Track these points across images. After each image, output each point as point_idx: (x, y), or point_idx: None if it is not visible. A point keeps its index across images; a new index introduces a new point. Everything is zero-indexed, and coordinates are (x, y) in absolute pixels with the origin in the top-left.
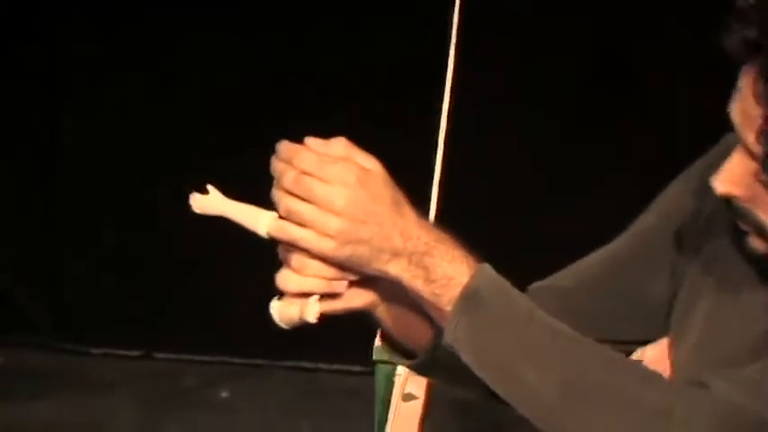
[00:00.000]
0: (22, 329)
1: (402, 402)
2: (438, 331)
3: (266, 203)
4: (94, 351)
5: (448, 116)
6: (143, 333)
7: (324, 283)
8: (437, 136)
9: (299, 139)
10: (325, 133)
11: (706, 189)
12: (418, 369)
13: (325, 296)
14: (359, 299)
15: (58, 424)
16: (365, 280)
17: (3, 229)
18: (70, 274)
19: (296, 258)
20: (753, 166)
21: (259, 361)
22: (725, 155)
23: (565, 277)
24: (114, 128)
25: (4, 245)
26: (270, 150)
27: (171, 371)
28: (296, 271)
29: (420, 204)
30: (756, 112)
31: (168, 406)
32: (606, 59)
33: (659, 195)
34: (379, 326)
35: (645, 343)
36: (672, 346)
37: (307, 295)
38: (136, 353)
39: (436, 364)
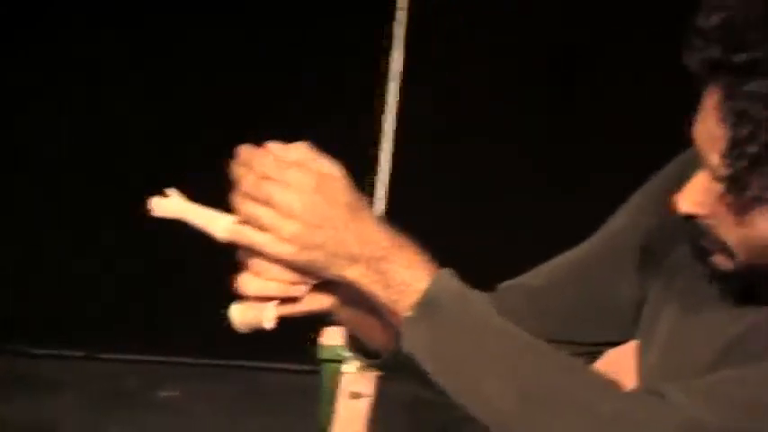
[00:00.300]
0: None
1: (349, 401)
2: (399, 335)
3: None
4: (38, 352)
5: (397, 120)
6: (87, 334)
7: (283, 287)
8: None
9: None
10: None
11: (668, 200)
12: (383, 369)
13: (284, 300)
14: (319, 302)
15: (5, 426)
16: (325, 283)
17: None
18: (12, 276)
19: (255, 262)
20: (716, 187)
21: (203, 361)
22: (688, 167)
23: (535, 277)
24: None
25: None
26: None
27: (115, 372)
28: (255, 275)
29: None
30: (720, 133)
31: (112, 406)
32: (567, 58)
33: (630, 198)
34: (342, 327)
35: (615, 344)
36: (638, 354)
37: (266, 299)
38: (79, 354)
39: (399, 365)
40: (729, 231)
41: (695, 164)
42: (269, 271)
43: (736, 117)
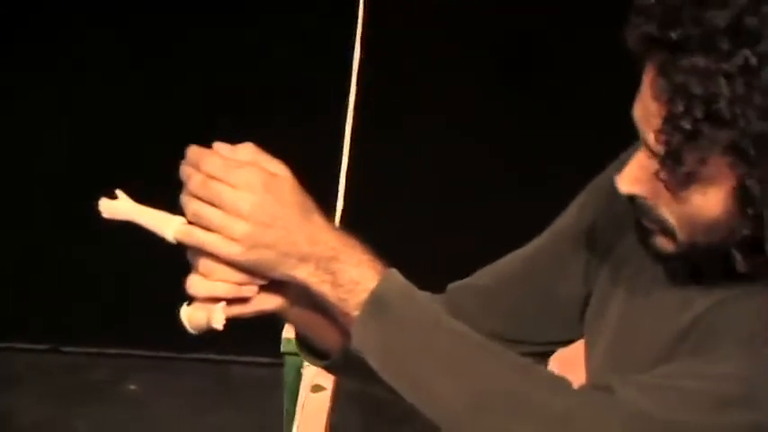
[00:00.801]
0: None
1: (311, 393)
2: (348, 334)
3: None
4: (2, 345)
5: (354, 117)
6: (51, 326)
7: (232, 288)
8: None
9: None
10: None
11: (615, 190)
12: (332, 369)
13: (234, 300)
14: (268, 302)
15: None
16: (275, 283)
17: None
18: None
19: (204, 263)
20: (654, 164)
21: (168, 354)
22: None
23: (484, 276)
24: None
25: None
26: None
27: (79, 364)
28: (204, 276)
29: (327, 208)
30: (655, 109)
31: (76, 400)
32: (520, 50)
33: (578, 195)
34: (291, 326)
35: (565, 343)
36: (586, 349)
37: (216, 300)
38: (44, 347)
39: (349, 364)
40: (668, 209)
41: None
42: (217, 272)
43: (670, 93)
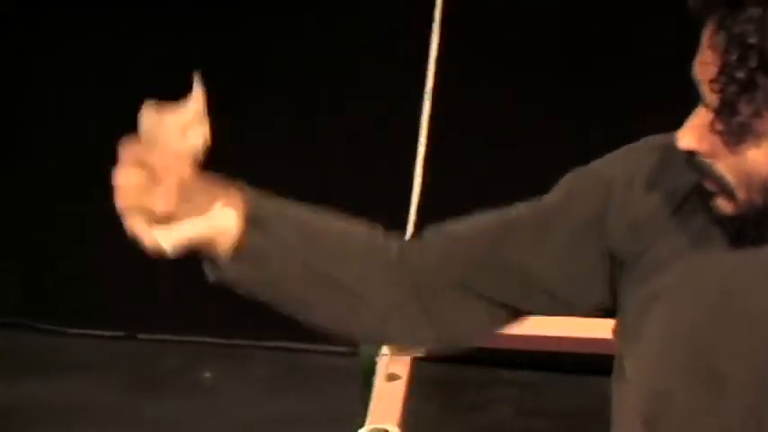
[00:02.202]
0: (5, 311)
1: (385, 382)
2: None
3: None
4: (78, 332)
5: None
6: (125, 314)
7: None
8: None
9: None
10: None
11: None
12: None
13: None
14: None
15: (38, 406)
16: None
17: None
18: (50, 254)
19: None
20: (710, 117)
21: (241, 341)
22: (637, 154)
23: (460, 223)
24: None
25: None
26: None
27: (154, 352)
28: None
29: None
30: (711, 60)
31: (149, 387)
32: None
33: (565, 177)
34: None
35: (516, 312)
36: (622, 338)
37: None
38: (118, 334)
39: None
40: (725, 166)
41: (645, 153)
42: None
43: (726, 44)
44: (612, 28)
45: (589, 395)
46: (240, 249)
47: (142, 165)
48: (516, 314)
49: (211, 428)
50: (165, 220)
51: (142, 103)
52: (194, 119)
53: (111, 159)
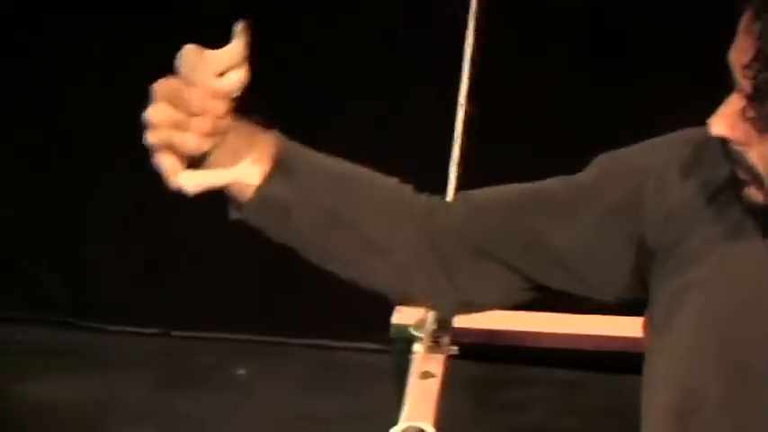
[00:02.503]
0: (39, 307)
1: (419, 380)
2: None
3: None
4: (111, 329)
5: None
6: (160, 311)
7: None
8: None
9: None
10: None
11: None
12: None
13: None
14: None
15: (74, 402)
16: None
17: (21, 206)
18: (88, 252)
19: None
20: (743, 104)
21: (276, 338)
22: (675, 147)
23: (490, 190)
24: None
25: (22, 223)
26: None
27: (188, 349)
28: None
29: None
30: (746, 47)
31: (186, 384)
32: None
33: (606, 159)
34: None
35: (533, 282)
36: (653, 333)
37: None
38: (153, 331)
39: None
40: (757, 154)
41: (680, 144)
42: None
43: (761, 30)
44: (638, 27)
45: (625, 394)
46: (263, 197)
47: (177, 101)
48: (536, 287)
49: (245, 425)
50: (194, 160)
51: (143, 102)
52: (234, 60)
53: (141, 162)
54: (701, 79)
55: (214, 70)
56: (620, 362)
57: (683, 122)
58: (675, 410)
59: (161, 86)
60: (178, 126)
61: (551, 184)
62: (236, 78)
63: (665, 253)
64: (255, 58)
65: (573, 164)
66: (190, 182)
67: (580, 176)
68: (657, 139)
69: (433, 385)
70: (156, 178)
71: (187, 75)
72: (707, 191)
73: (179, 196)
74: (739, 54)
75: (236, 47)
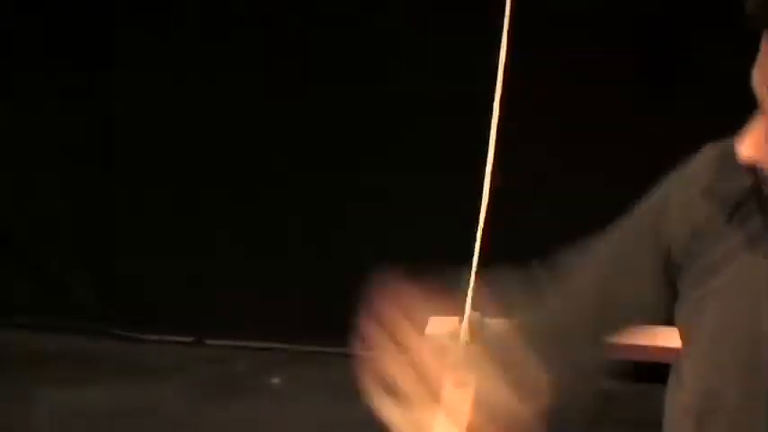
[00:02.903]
0: (74, 315)
1: (453, 389)
2: None
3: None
4: (147, 337)
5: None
6: (195, 319)
7: None
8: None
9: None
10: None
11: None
12: None
13: None
14: None
15: (110, 410)
16: None
17: (57, 215)
18: (123, 260)
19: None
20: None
21: (311, 347)
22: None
23: (558, 312)
24: (171, 120)
25: (57, 231)
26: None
27: (222, 357)
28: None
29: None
30: None
31: (220, 392)
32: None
33: (642, 204)
34: None
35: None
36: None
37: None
38: (188, 339)
39: None
40: None
41: (702, 163)
42: None
43: None
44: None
45: (660, 405)
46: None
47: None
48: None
49: None
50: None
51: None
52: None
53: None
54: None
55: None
56: (655, 372)
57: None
58: (695, 411)
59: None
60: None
61: (606, 253)
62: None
63: (688, 266)
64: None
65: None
66: (397, 417)
67: (622, 228)
68: (681, 166)
69: (467, 394)
70: (190, 186)
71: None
72: (728, 204)
73: (210, 206)
74: (761, 75)
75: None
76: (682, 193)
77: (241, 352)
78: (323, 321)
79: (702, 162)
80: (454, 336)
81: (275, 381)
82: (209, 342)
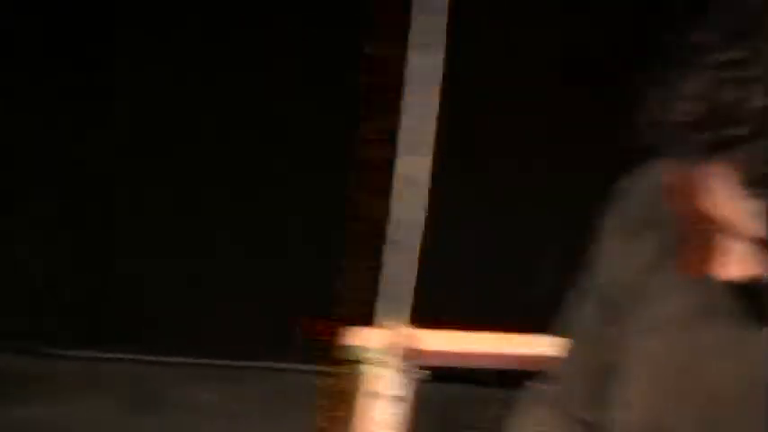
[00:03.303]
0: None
1: (380, 402)
2: None
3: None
4: (72, 354)
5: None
6: (120, 335)
7: None
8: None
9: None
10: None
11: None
12: None
13: None
14: None
15: (35, 428)
16: None
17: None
18: (45, 276)
19: None
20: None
21: (236, 362)
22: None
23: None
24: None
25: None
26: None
27: (149, 373)
28: None
29: None
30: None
31: (147, 409)
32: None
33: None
34: None
35: None
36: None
37: None
38: (114, 355)
39: None
40: None
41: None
42: None
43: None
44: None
45: None
46: None
47: None
48: None
49: None
50: None
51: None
52: None
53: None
54: None
55: None
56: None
57: None
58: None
59: None
60: None
61: (589, 313)
62: None
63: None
64: None
65: None
66: None
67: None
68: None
69: (403, 409)
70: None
71: None
72: (663, 240)
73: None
74: (730, 213)
75: None
76: (612, 228)
77: (168, 368)
78: (246, 336)
79: (635, 195)
80: (388, 348)
81: (203, 396)
82: (135, 358)
